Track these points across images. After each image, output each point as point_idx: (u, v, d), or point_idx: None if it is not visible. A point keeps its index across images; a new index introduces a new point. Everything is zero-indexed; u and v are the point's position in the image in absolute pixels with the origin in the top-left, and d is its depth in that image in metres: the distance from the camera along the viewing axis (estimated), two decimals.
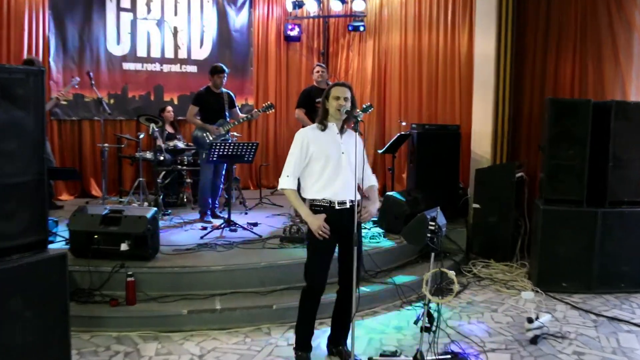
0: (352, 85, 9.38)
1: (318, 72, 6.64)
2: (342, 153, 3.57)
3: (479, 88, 6.86)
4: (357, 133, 3.43)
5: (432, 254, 3.69)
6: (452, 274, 3.65)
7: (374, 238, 5.82)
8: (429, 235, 3.67)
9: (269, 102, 6.71)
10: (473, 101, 6.96)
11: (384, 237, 5.95)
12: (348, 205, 3.55)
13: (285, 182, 3.58)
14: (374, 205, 3.69)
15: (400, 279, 5.29)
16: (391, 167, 7.33)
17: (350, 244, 3.43)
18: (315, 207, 3.59)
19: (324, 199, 3.56)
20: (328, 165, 3.55)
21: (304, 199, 3.67)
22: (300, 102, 6.67)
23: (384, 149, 7.36)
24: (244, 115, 6.73)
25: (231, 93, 6.80)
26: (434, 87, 8.06)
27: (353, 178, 3.51)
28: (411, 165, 7.27)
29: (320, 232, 3.48)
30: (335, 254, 3.72)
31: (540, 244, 5.45)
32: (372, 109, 7.18)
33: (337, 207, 3.55)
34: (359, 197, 3.60)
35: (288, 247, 5.43)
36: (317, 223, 3.50)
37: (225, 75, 6.56)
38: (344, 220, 3.50)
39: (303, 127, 6.61)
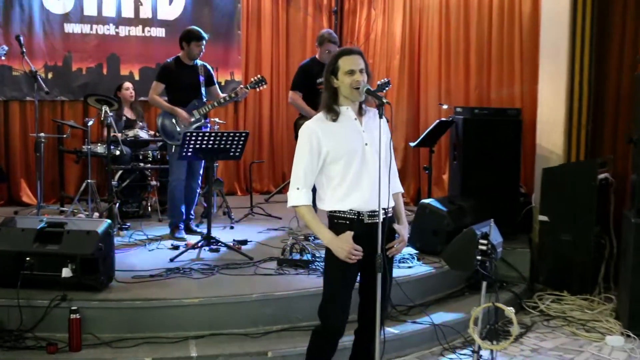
0: (376, 55, 9.56)
1: (329, 52, 6.53)
2: (366, 144, 3.55)
3: (548, 59, 6.83)
4: (381, 120, 3.43)
5: (484, 284, 3.68)
6: (510, 310, 3.64)
7: (404, 261, 5.81)
8: (479, 257, 3.67)
9: (259, 76, 6.72)
10: (539, 77, 6.94)
11: (418, 259, 5.94)
12: (381, 217, 3.51)
13: (297, 196, 3.55)
14: (406, 228, 3.70)
15: (440, 316, 5.29)
16: (427, 165, 7.32)
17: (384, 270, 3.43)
18: (339, 221, 3.55)
19: (350, 210, 3.52)
20: (352, 165, 3.51)
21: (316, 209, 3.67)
22: (297, 82, 6.68)
23: (417, 141, 7.35)
24: (226, 95, 6.75)
25: (208, 66, 6.84)
26: (486, 59, 8.03)
27: (385, 174, 3.44)
28: (455, 163, 7.26)
29: (352, 258, 3.45)
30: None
31: (633, 270, 5.41)
32: (390, 86, 7.17)
33: (367, 220, 3.52)
34: (392, 202, 3.60)
35: (288, 274, 5.42)
36: (345, 248, 3.44)
37: (204, 43, 6.59)
38: (376, 238, 3.44)
39: (301, 115, 6.72)
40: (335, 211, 3.55)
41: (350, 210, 3.51)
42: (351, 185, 3.51)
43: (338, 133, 3.54)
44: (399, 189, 3.77)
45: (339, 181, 3.54)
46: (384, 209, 3.46)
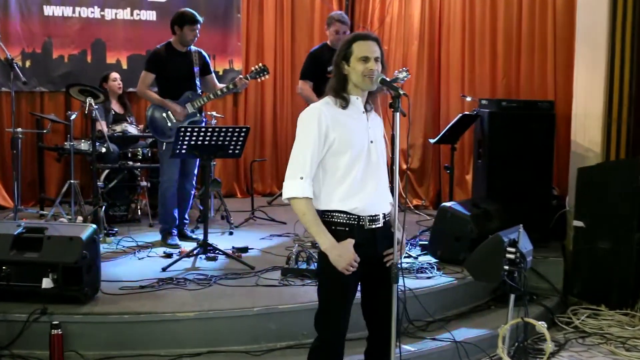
0: (392, 41, 9.56)
1: (337, 31, 6.61)
2: (371, 142, 3.56)
3: (584, 47, 6.82)
4: (398, 113, 3.41)
5: (512, 297, 3.70)
6: (541, 326, 3.65)
7: (423, 271, 5.83)
8: (506, 267, 3.68)
9: (261, 64, 6.73)
10: (575, 66, 6.93)
11: (438, 269, 5.94)
12: (381, 223, 3.55)
13: (296, 187, 3.44)
14: (403, 234, 3.70)
15: (463, 333, 5.28)
16: (449, 164, 7.33)
17: (386, 280, 3.44)
18: (337, 226, 3.51)
19: (350, 213, 3.49)
20: (358, 161, 3.50)
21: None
22: (306, 71, 6.71)
23: (438, 137, 7.36)
24: (224, 86, 6.77)
25: (204, 53, 6.86)
26: (515, 46, 8.03)
27: (386, 177, 3.51)
28: (479, 161, 7.27)
29: (350, 269, 3.42)
30: (358, 299, 3.72)
31: None
32: (409, 76, 7.17)
33: (367, 226, 3.53)
34: (390, 208, 3.61)
35: (294, 285, 5.44)
36: (345, 258, 3.41)
37: (199, 27, 6.61)
38: (377, 245, 3.50)
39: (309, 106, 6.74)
40: (332, 211, 3.51)
41: (350, 213, 3.48)
42: (355, 183, 3.48)
43: (346, 122, 3.51)
44: (391, 197, 3.73)
45: (341, 177, 3.50)
46: (384, 214, 3.54)
